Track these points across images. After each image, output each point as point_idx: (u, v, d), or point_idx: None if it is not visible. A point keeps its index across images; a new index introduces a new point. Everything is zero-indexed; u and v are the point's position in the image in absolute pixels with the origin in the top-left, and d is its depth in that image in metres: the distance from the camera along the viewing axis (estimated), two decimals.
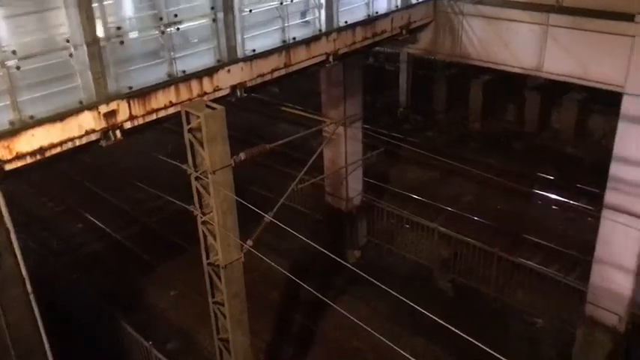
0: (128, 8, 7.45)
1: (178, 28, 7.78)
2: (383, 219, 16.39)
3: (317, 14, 9.70)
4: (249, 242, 8.70)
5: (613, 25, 9.77)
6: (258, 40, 8.87)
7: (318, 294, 7.06)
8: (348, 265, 7.15)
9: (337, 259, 6.77)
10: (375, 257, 16.23)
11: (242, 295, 9.13)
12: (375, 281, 6.18)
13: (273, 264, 7.74)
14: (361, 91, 14.88)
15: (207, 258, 8.93)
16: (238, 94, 8.73)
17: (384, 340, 5.80)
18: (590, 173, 17.71)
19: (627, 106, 9.92)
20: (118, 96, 7.25)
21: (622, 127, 10.12)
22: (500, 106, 22.97)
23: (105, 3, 6.90)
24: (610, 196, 10.60)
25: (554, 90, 20.57)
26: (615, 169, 10.42)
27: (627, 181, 10.25)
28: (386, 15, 10.95)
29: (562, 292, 13.14)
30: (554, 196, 17.77)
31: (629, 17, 9.44)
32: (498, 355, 4.88)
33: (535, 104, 21.78)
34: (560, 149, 20.71)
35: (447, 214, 17.19)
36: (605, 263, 11.04)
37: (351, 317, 6.59)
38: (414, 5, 11.56)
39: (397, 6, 11.20)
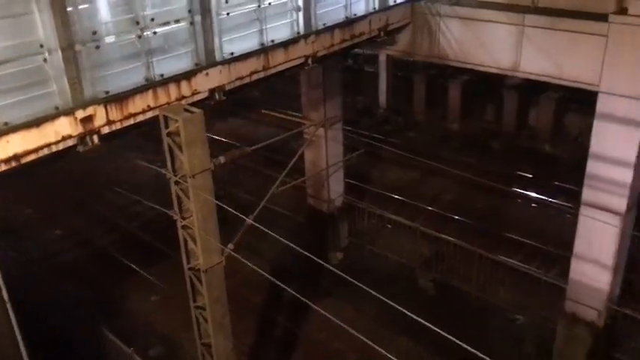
0: (104, 12, 7.37)
1: (155, 32, 7.72)
2: (364, 220, 16.42)
3: (295, 17, 9.70)
4: (230, 246, 8.65)
5: (587, 25, 9.93)
6: (236, 43, 8.84)
7: (300, 296, 7.05)
8: (331, 268, 7.14)
9: (319, 261, 6.77)
10: (358, 258, 16.24)
11: (223, 299, 9.09)
12: (358, 282, 6.19)
13: (255, 267, 7.71)
14: (341, 93, 14.90)
15: (188, 262, 8.87)
16: (217, 97, 8.70)
17: (368, 341, 5.82)
18: (567, 171, 17.96)
19: (602, 104, 10.07)
20: (95, 101, 7.18)
21: (597, 125, 10.28)
22: (479, 106, 23.17)
23: (80, 7, 6.83)
24: (587, 194, 10.77)
25: (532, 89, 20.80)
26: (592, 166, 10.58)
27: (603, 178, 10.41)
28: (364, 17, 10.99)
29: (542, 289, 13.28)
30: (533, 194, 17.97)
31: (602, 17, 9.61)
32: (480, 354, 4.92)
33: (513, 104, 21.99)
34: (538, 148, 20.95)
35: (427, 214, 17.28)
36: (584, 259, 11.20)
37: (335, 319, 6.59)
38: (392, 7, 11.62)
39: (375, 8, 11.25)
